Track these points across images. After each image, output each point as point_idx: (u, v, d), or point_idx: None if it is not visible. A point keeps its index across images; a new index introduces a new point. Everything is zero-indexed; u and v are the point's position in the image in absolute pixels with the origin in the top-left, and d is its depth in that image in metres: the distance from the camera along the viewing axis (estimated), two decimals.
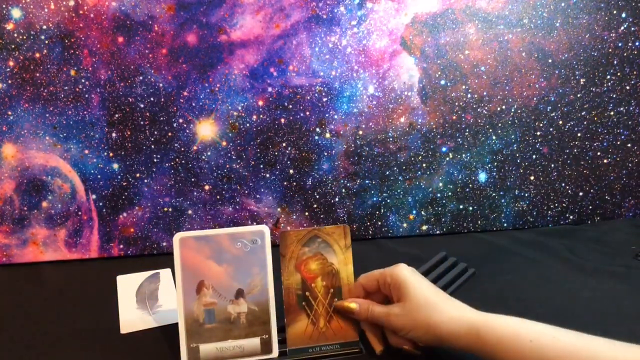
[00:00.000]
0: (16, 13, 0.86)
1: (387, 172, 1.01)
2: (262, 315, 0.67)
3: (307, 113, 0.97)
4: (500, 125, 1.01)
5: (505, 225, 1.06)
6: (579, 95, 1.02)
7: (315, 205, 1.00)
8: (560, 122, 1.02)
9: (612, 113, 1.03)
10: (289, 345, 0.68)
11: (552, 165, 1.04)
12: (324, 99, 0.96)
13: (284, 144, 0.97)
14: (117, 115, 0.92)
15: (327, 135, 0.98)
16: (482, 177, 1.03)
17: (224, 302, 0.67)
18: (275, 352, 0.67)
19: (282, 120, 0.96)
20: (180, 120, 0.94)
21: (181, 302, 0.66)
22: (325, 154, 0.99)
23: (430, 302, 0.62)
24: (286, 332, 0.68)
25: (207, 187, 0.97)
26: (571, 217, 1.07)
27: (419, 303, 0.62)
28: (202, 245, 0.67)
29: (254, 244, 0.68)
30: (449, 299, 0.64)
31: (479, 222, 1.05)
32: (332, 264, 0.70)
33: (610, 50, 1.00)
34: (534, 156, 1.03)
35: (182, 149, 0.95)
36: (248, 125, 0.96)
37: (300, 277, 0.69)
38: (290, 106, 0.96)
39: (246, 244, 0.68)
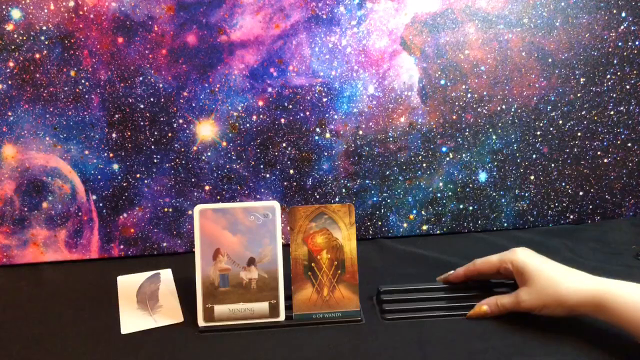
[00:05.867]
0: (16, 14, 0.86)
1: (387, 172, 1.01)
2: (271, 282, 0.74)
3: (307, 113, 0.97)
4: (500, 125, 1.01)
5: (505, 225, 1.06)
6: (579, 95, 1.02)
7: None
8: (560, 122, 1.02)
9: (612, 112, 1.03)
10: (295, 310, 0.75)
11: (552, 165, 1.04)
12: (324, 99, 0.96)
13: (284, 144, 0.97)
14: (117, 116, 0.92)
15: (327, 135, 0.98)
16: (482, 176, 1.03)
17: (237, 268, 0.74)
18: (282, 316, 0.74)
19: (282, 121, 0.96)
20: (180, 121, 0.94)
21: (199, 267, 0.74)
22: (325, 154, 0.99)
23: (554, 279, 0.67)
24: (292, 298, 0.75)
25: (207, 188, 0.97)
26: (571, 216, 1.07)
27: (544, 283, 0.68)
28: (219, 217, 0.75)
29: (266, 218, 0.75)
30: (570, 271, 0.69)
31: (479, 222, 1.05)
32: (337, 239, 0.76)
33: (610, 49, 1.00)
34: (534, 156, 1.03)
35: (182, 150, 0.95)
36: (248, 125, 0.96)
37: (307, 249, 0.75)
38: (290, 106, 0.96)
39: (259, 217, 0.75)
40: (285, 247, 0.76)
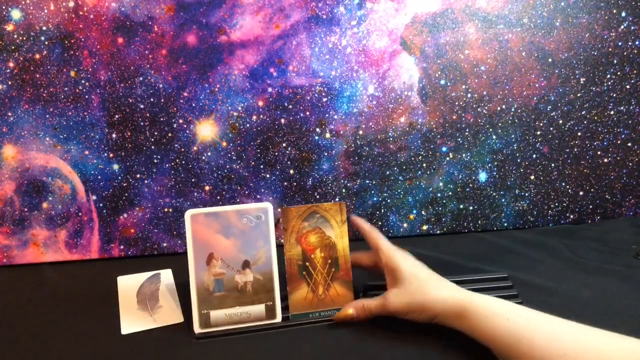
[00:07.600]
0: (16, 14, 0.86)
1: (387, 172, 1.01)
2: (267, 284, 0.74)
3: (307, 113, 0.97)
4: (500, 124, 1.01)
5: (505, 224, 1.06)
6: (579, 95, 1.02)
7: None
8: (561, 122, 1.02)
9: (612, 112, 1.03)
10: (291, 310, 0.74)
11: (553, 165, 1.04)
12: (324, 99, 0.96)
13: (284, 144, 0.97)
14: (117, 116, 0.92)
15: (327, 135, 0.98)
16: (483, 176, 1.03)
17: (232, 272, 0.73)
18: (278, 317, 0.74)
19: (282, 121, 0.96)
20: (181, 121, 0.94)
21: (193, 273, 0.72)
22: (325, 154, 0.99)
23: (422, 285, 0.68)
24: (288, 299, 0.75)
25: (207, 188, 0.97)
26: (571, 216, 1.07)
27: (413, 288, 0.68)
28: (211, 221, 0.73)
29: (259, 220, 0.74)
30: (440, 280, 0.69)
31: (480, 221, 1.05)
32: (329, 237, 0.76)
33: (610, 49, 1.00)
34: (534, 155, 1.03)
35: (182, 150, 0.95)
36: (248, 125, 0.96)
37: (301, 249, 0.76)
38: (290, 106, 0.96)
39: (251, 220, 0.74)
40: (279, 247, 0.75)
